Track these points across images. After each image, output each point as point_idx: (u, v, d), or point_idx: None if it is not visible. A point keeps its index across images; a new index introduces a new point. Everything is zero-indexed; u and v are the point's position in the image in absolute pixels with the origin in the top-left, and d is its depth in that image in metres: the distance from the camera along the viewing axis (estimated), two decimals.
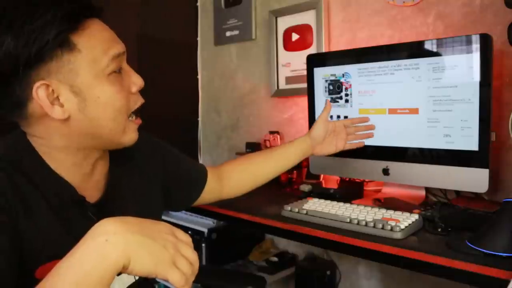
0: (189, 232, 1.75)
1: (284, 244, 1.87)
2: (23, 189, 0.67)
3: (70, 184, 0.73)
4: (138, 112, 0.77)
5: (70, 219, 0.72)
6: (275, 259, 1.76)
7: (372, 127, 1.19)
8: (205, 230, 1.70)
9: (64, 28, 0.64)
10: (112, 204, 0.79)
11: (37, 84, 0.64)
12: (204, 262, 1.70)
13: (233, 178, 1.11)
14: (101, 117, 0.70)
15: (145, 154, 0.90)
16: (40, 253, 0.67)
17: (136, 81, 0.75)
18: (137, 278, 0.81)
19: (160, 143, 0.97)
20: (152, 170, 0.91)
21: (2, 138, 0.73)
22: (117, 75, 0.71)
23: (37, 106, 0.66)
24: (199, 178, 1.05)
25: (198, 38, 2.22)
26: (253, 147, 1.79)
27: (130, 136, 0.75)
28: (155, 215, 0.90)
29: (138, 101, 0.76)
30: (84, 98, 0.68)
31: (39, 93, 0.65)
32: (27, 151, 0.71)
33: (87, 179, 0.76)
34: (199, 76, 2.22)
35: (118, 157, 0.83)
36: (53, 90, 0.66)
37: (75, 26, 0.66)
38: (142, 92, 0.78)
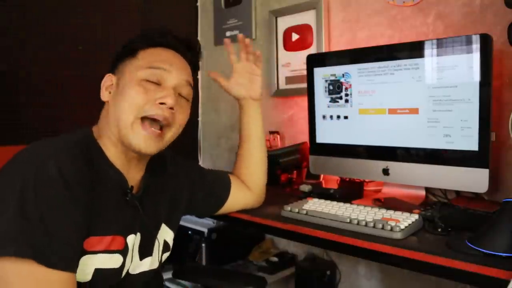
0: (189, 232, 1.75)
1: (284, 244, 1.87)
2: (90, 168, 0.78)
3: (121, 171, 0.85)
4: (157, 124, 0.85)
5: (119, 203, 0.83)
6: (275, 259, 1.76)
7: (248, 42, 1.19)
8: (205, 230, 1.70)
9: (137, 44, 0.89)
10: (148, 201, 0.90)
11: (108, 74, 0.89)
12: (204, 262, 1.70)
13: (245, 174, 1.18)
14: (118, 107, 0.84)
15: (179, 169, 1.03)
16: (92, 227, 0.77)
17: (164, 96, 0.84)
18: (157, 266, 0.94)
19: (194, 164, 1.16)
20: (184, 182, 1.03)
21: (74, 130, 0.87)
22: (151, 85, 0.85)
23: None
24: (225, 181, 1.14)
25: (198, 38, 2.23)
26: None
27: (136, 139, 0.83)
28: (177, 221, 1.03)
29: (155, 111, 0.84)
30: (118, 90, 0.85)
31: (104, 79, 0.89)
32: (91, 140, 0.84)
33: (133, 167, 0.89)
34: (199, 76, 2.22)
35: (155, 168, 0.95)
36: (112, 82, 0.88)
37: (146, 45, 0.89)
38: None
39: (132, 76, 0.85)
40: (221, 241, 1.73)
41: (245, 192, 1.16)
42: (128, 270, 0.86)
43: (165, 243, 0.96)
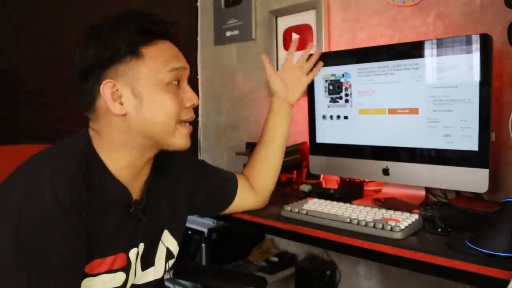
0: (189, 232, 1.75)
1: (284, 244, 1.87)
2: (89, 187, 0.73)
3: (125, 186, 0.80)
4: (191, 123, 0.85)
5: (122, 218, 0.80)
6: (275, 259, 1.76)
7: (318, 54, 1.21)
8: (205, 230, 1.70)
9: (136, 40, 0.77)
10: (151, 207, 0.87)
11: (105, 81, 0.76)
12: (204, 262, 1.70)
13: (256, 180, 1.15)
14: (153, 118, 0.78)
15: (180, 167, 0.98)
16: (94, 250, 0.74)
17: (191, 98, 0.84)
18: (161, 275, 0.91)
19: (196, 159, 1.10)
20: (186, 182, 0.99)
21: (70, 137, 0.81)
22: (174, 87, 0.81)
23: (103, 101, 0.77)
24: (231, 183, 1.10)
25: (198, 38, 2.23)
26: (253, 147, 1.78)
27: (180, 140, 0.84)
28: (181, 223, 1.00)
29: (190, 115, 0.84)
30: (141, 100, 0.77)
31: (105, 89, 0.76)
32: (90, 151, 0.78)
33: (134, 179, 0.83)
34: (199, 76, 2.22)
35: (158, 167, 0.91)
36: (117, 89, 0.76)
37: (145, 40, 0.78)
38: None
39: (152, 81, 0.77)
40: (221, 241, 1.73)
41: (251, 195, 1.14)
42: (133, 283, 0.84)
43: (169, 251, 0.93)
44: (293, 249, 1.84)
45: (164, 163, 0.92)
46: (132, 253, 0.82)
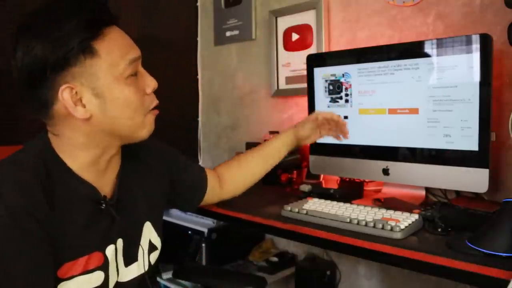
0: (189, 232, 1.75)
1: (284, 244, 1.87)
2: (49, 191, 0.71)
3: (91, 183, 0.78)
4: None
5: (93, 216, 0.77)
6: (275, 259, 1.76)
7: (346, 132, 1.19)
8: (205, 230, 1.70)
9: (87, 36, 0.70)
10: (125, 201, 0.84)
11: (63, 87, 0.70)
12: (204, 262, 1.70)
13: (229, 179, 1.16)
14: (120, 116, 0.75)
15: (154, 157, 0.96)
16: (64, 253, 0.71)
17: (150, 83, 0.80)
18: (146, 269, 0.88)
19: (169, 149, 1.03)
20: (160, 173, 0.96)
21: (28, 143, 0.78)
22: (134, 78, 0.77)
23: (62, 106, 0.72)
24: (201, 183, 1.09)
25: (198, 38, 2.23)
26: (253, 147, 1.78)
27: (149, 129, 0.81)
28: (161, 214, 0.97)
29: (154, 102, 0.82)
30: (105, 100, 0.73)
31: (64, 95, 0.70)
32: (51, 154, 0.75)
33: (102, 175, 0.81)
34: (199, 76, 2.22)
35: (130, 158, 0.88)
36: (76, 92, 0.71)
37: (96, 33, 0.71)
38: None
39: (112, 78, 0.73)
40: (221, 241, 1.73)
41: (218, 189, 1.13)
42: (117, 280, 0.82)
43: (151, 244, 0.90)
44: (293, 249, 1.84)
45: (136, 154, 0.90)
46: (109, 250, 0.79)
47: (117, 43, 0.74)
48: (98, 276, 0.77)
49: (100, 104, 0.73)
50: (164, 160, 0.99)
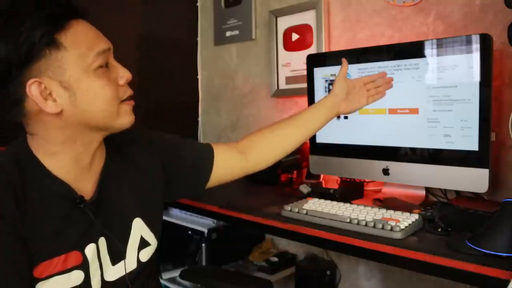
0: (189, 232, 1.75)
1: (284, 244, 1.87)
2: (22, 192, 0.70)
3: (67, 183, 0.76)
4: (131, 98, 0.80)
5: (68, 216, 0.75)
6: (275, 259, 1.76)
7: (390, 79, 1.12)
8: (205, 230, 1.70)
9: (49, 29, 0.69)
10: (109, 198, 0.82)
11: (30, 82, 0.69)
12: (204, 262, 1.70)
13: (257, 149, 1.04)
14: (91, 108, 0.74)
15: (141, 149, 0.91)
16: (39, 253, 0.70)
17: (123, 75, 0.79)
18: (135, 267, 0.85)
19: (159, 136, 0.97)
20: (150, 164, 0.91)
21: (7, 145, 0.78)
22: (104, 70, 0.75)
23: (32, 103, 0.71)
24: (204, 162, 0.99)
25: (198, 38, 2.23)
26: None
27: (125, 119, 0.79)
28: (156, 208, 0.93)
29: (128, 92, 0.80)
30: (74, 92, 0.72)
31: (32, 90, 0.70)
32: (26, 154, 0.75)
33: (85, 172, 0.80)
34: (199, 76, 2.22)
35: (114, 153, 0.85)
36: (45, 87, 0.70)
37: (59, 26, 0.70)
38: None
39: (80, 70, 0.72)
40: (221, 241, 1.73)
41: (242, 162, 1.02)
42: (103, 278, 0.80)
43: (142, 240, 0.86)
44: (293, 249, 1.84)
45: (121, 149, 0.87)
46: (89, 249, 0.77)
47: (84, 36, 0.73)
48: (78, 275, 0.75)
49: (70, 97, 0.72)
50: (153, 149, 0.93)
